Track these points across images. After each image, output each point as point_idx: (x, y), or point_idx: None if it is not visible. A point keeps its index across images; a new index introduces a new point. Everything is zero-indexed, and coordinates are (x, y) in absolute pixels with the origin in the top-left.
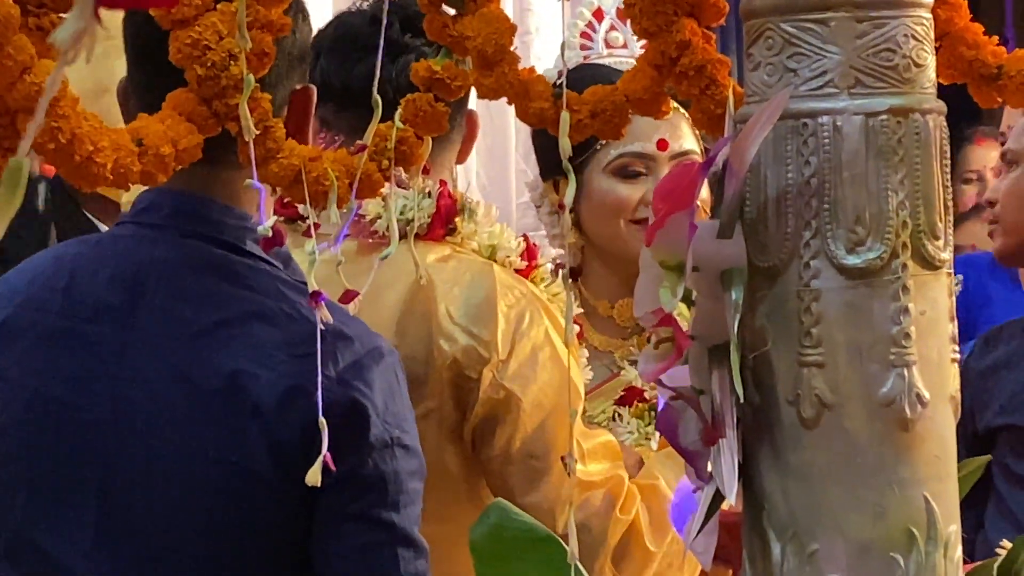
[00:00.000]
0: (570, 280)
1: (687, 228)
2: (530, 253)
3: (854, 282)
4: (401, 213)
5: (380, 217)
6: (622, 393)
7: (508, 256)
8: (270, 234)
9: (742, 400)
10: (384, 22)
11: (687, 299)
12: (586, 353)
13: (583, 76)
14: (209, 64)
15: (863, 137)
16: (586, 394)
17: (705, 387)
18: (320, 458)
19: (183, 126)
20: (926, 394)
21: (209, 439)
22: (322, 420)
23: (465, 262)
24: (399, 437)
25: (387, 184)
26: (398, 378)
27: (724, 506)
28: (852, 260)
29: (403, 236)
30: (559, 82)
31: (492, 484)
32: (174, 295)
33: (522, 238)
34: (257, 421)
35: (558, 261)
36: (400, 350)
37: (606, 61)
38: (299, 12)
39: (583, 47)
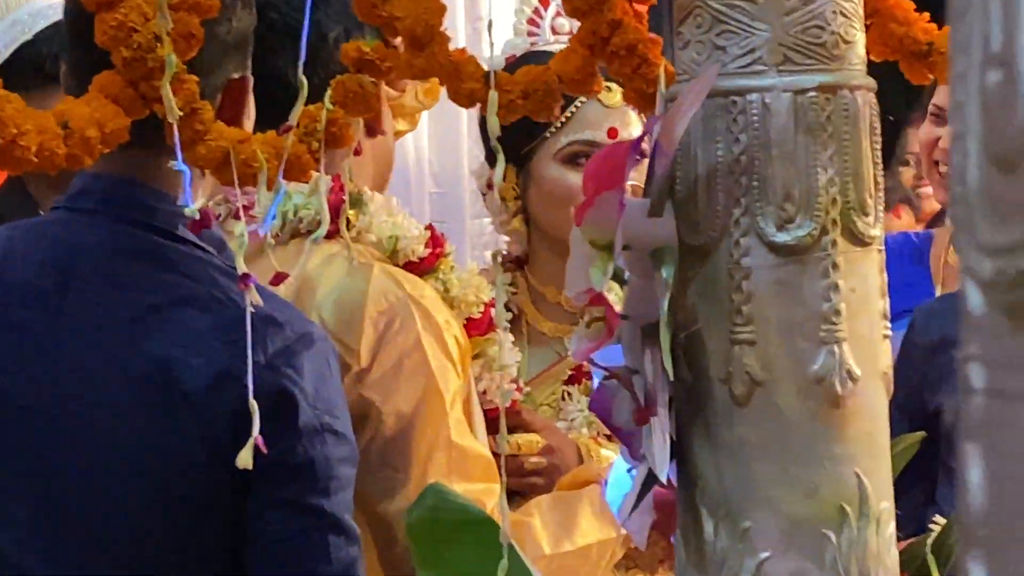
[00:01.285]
0: (509, 265)
1: (616, 207)
2: (435, 242)
3: (784, 259)
4: (295, 212)
5: (274, 217)
6: (571, 372)
7: (410, 247)
8: (197, 216)
9: (672, 379)
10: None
11: (619, 278)
12: (510, 338)
13: (530, 63)
14: (135, 46)
15: (792, 114)
16: (532, 379)
17: (638, 366)
18: (251, 440)
19: (109, 108)
20: (857, 371)
21: (140, 425)
22: (253, 404)
23: (346, 265)
24: (329, 423)
25: (317, 165)
26: (329, 364)
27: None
28: (782, 237)
29: (296, 235)
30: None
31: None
32: (105, 281)
33: (427, 228)
34: (188, 408)
35: (503, 252)
36: None
37: (553, 48)
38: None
39: (530, 34)
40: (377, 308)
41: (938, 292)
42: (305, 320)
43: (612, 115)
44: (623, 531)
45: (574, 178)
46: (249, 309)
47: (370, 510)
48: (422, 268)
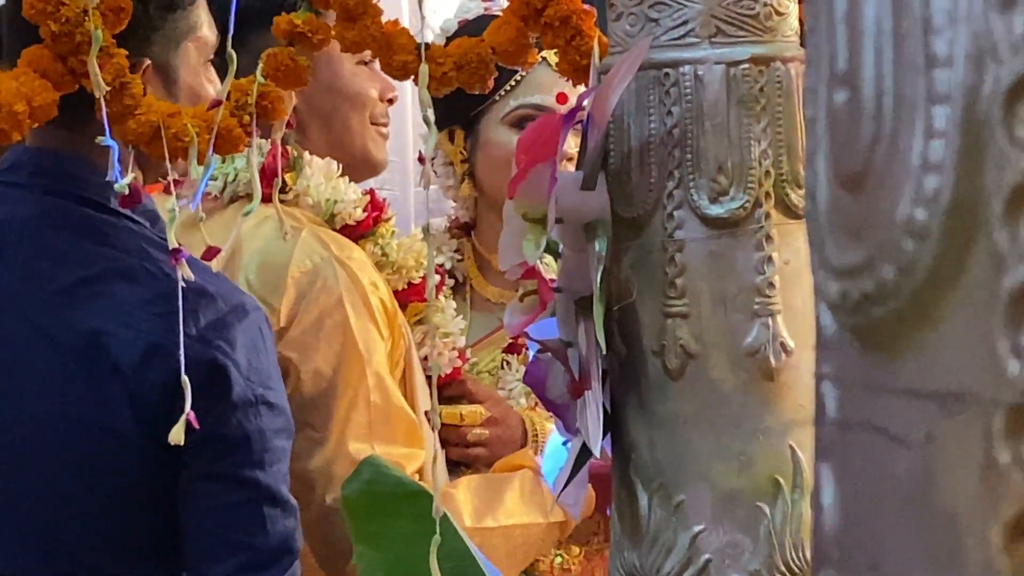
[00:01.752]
0: (456, 231)
1: (549, 180)
2: (375, 206)
3: (717, 232)
4: (235, 176)
5: (216, 179)
6: (510, 340)
7: (347, 210)
8: (127, 191)
9: (604, 352)
10: None
11: (553, 251)
12: (453, 305)
13: (485, 28)
14: (63, 20)
15: (724, 86)
16: (474, 344)
17: (572, 339)
18: (183, 417)
19: (38, 83)
20: (791, 343)
21: (71, 398)
22: (185, 379)
23: (275, 228)
24: (263, 395)
25: (249, 139)
26: (263, 335)
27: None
28: (715, 210)
29: (236, 199)
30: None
31: None
32: (35, 253)
33: (367, 192)
34: (118, 380)
35: (453, 217)
36: None
37: None
38: None
39: None
40: (300, 269)
41: None
42: (238, 291)
43: (562, 79)
44: (551, 518)
45: None
46: (181, 284)
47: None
48: (359, 231)
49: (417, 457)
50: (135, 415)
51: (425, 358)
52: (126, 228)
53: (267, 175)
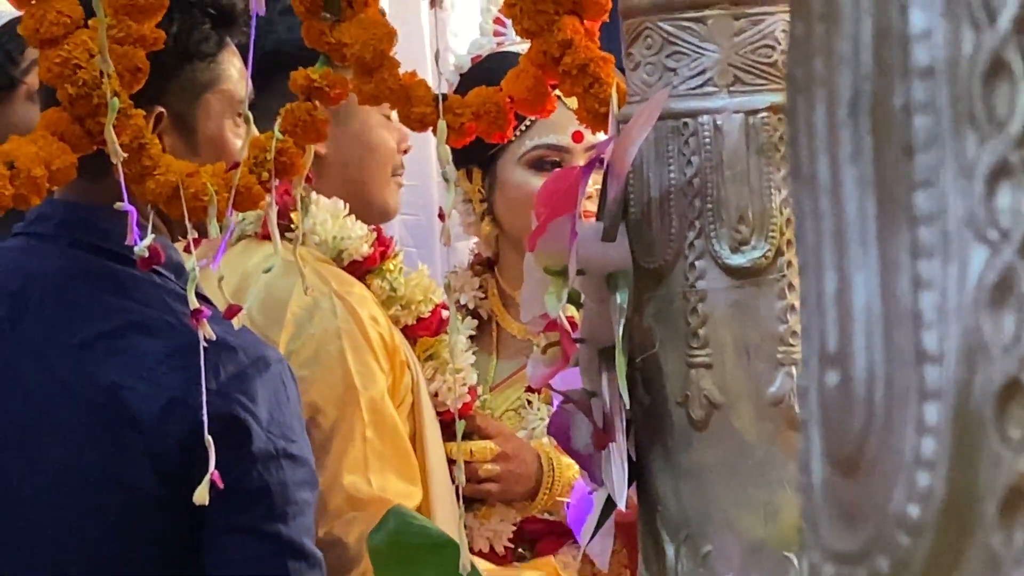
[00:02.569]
0: (479, 268)
1: (569, 232)
2: (381, 241)
3: (740, 281)
4: (242, 217)
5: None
6: None
7: (354, 247)
8: (146, 255)
9: (630, 402)
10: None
11: (575, 302)
12: (464, 341)
13: (497, 65)
14: (80, 83)
15: (744, 135)
16: (500, 382)
17: (596, 390)
18: (207, 477)
19: (56, 146)
20: None
21: (89, 453)
22: (208, 439)
23: (282, 266)
24: (285, 448)
25: (269, 195)
26: (286, 387)
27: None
28: (737, 259)
29: (243, 236)
30: (465, 71)
31: None
32: (57, 306)
33: (374, 229)
34: (137, 434)
35: (476, 252)
36: None
37: (520, 48)
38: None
39: (496, 33)
40: (299, 304)
41: None
42: (260, 344)
43: (576, 118)
44: None
45: (538, 182)
46: (203, 344)
47: None
48: (366, 267)
49: (414, 496)
50: (155, 469)
51: (436, 394)
52: (149, 281)
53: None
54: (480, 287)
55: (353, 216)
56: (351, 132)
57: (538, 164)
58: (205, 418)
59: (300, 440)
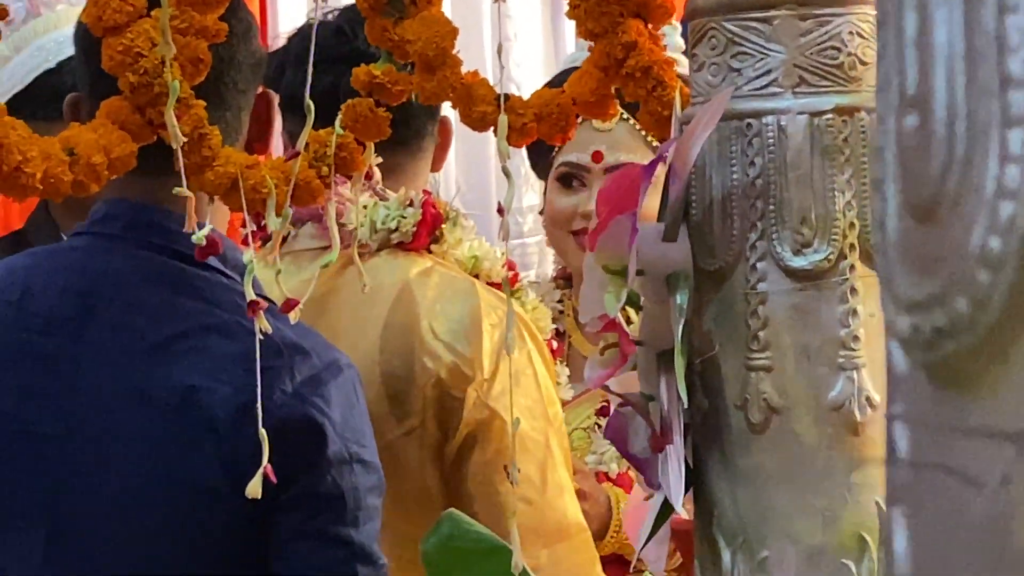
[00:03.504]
0: (560, 282)
1: (630, 231)
2: (510, 265)
3: (801, 284)
4: (383, 222)
5: (361, 226)
6: (603, 403)
7: (492, 268)
8: (204, 243)
9: (686, 406)
10: (314, 32)
11: (634, 303)
12: (567, 371)
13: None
14: (141, 71)
15: (808, 137)
16: (570, 401)
17: (654, 392)
18: (260, 470)
19: (116, 135)
20: (876, 397)
21: (162, 455)
22: (262, 431)
23: (447, 277)
24: (357, 453)
25: (328, 191)
26: (356, 392)
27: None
28: (799, 262)
29: (385, 246)
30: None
31: (462, 505)
32: (128, 307)
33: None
34: (212, 437)
35: (561, 266)
36: (381, 366)
37: None
38: (250, 25)
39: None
40: (491, 321)
41: None
42: (331, 348)
43: (599, 137)
44: None
45: (562, 199)
46: (259, 336)
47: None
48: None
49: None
50: (228, 472)
51: None
52: (219, 283)
53: (428, 225)
54: (560, 300)
55: (483, 236)
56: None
57: (564, 181)
58: (259, 416)
59: (370, 446)
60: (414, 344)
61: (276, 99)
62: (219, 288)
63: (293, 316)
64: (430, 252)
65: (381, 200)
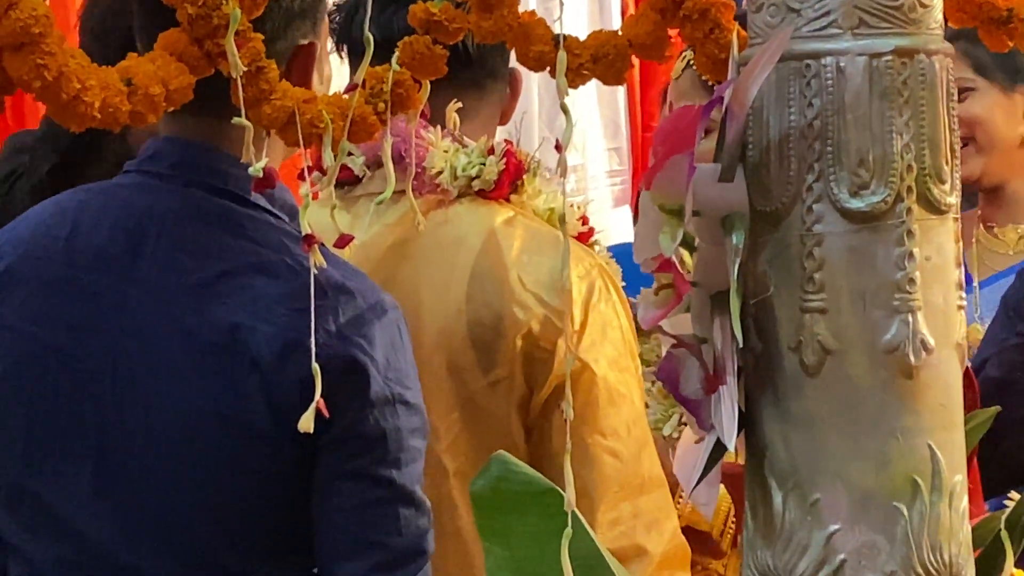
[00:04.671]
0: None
1: (687, 170)
2: (583, 220)
3: (857, 226)
4: (464, 169)
5: (443, 172)
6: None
7: (572, 225)
8: (260, 175)
9: (742, 347)
10: None
11: (689, 244)
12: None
13: None
14: (200, 3)
15: (867, 78)
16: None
17: (707, 335)
18: (312, 405)
19: (174, 66)
20: (931, 341)
21: (207, 392)
22: (316, 367)
23: (532, 227)
24: (401, 394)
25: (384, 127)
26: (401, 334)
27: (728, 457)
28: (856, 204)
29: (465, 194)
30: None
31: (546, 455)
32: (175, 245)
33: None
34: (256, 375)
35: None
36: (468, 315)
37: None
38: None
39: None
40: (578, 273)
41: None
42: (377, 289)
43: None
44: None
45: None
46: (313, 271)
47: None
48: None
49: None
50: (271, 411)
51: None
52: (266, 222)
53: (511, 173)
54: None
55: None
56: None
57: None
58: (313, 352)
59: (414, 387)
60: (503, 294)
61: (317, 52)
62: (265, 227)
63: (347, 253)
64: (509, 202)
65: (462, 147)
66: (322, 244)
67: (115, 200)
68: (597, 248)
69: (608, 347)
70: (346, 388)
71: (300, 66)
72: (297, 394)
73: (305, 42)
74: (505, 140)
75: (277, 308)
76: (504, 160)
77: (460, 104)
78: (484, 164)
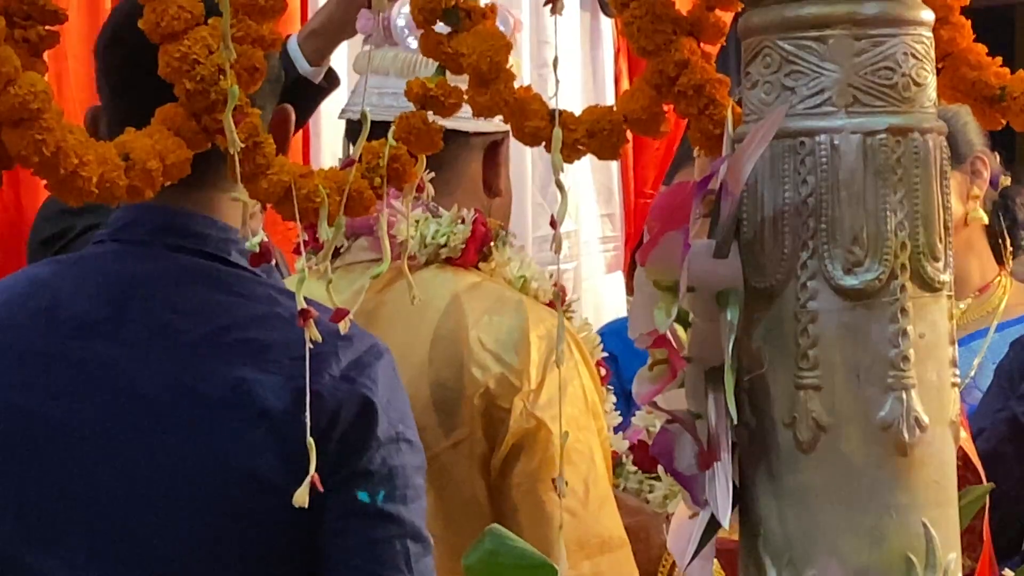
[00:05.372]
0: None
1: (681, 247)
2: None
3: (852, 303)
4: (432, 237)
5: (412, 239)
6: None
7: (540, 287)
8: (257, 249)
9: (736, 423)
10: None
11: (683, 320)
12: (613, 399)
13: None
14: (198, 78)
15: (861, 156)
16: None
17: (701, 410)
18: (307, 480)
19: (171, 141)
20: (925, 418)
21: (217, 448)
22: (310, 441)
23: (496, 291)
24: (403, 432)
25: (380, 202)
26: (396, 375)
27: (722, 533)
28: (850, 281)
29: (433, 261)
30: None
31: (506, 515)
32: (164, 307)
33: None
34: (264, 425)
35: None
36: (430, 377)
37: None
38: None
39: None
40: (538, 333)
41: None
42: (368, 334)
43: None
44: None
45: None
46: (309, 346)
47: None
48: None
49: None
50: (284, 459)
51: None
52: (250, 279)
53: (478, 241)
54: None
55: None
56: (504, 203)
57: None
58: (308, 423)
59: (412, 427)
60: (463, 355)
61: (292, 114)
62: (251, 283)
63: (343, 326)
64: (478, 269)
65: (433, 216)
66: (313, 302)
67: (93, 269)
68: (574, 314)
69: (566, 406)
70: (359, 428)
71: (281, 131)
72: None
73: (279, 106)
74: (476, 209)
75: (278, 358)
76: (471, 228)
77: (433, 174)
78: (454, 232)
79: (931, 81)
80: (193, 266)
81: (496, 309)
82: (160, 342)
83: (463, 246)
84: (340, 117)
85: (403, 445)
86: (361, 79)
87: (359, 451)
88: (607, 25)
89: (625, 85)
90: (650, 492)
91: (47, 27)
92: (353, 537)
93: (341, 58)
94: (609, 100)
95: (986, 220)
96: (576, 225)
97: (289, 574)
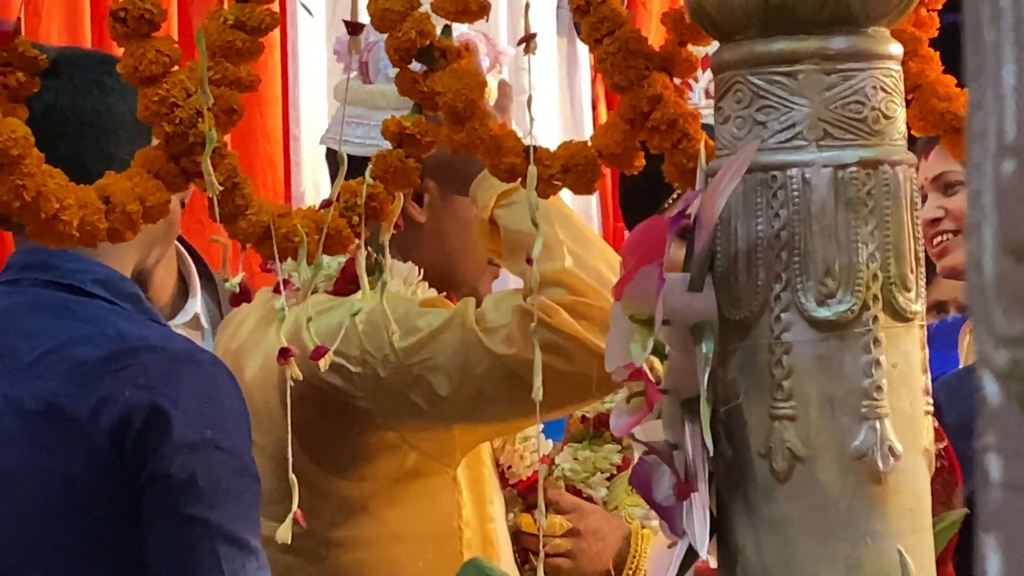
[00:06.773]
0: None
1: (656, 280)
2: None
3: (825, 335)
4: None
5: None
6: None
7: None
8: (237, 291)
9: (712, 454)
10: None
11: (660, 352)
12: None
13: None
14: (176, 121)
15: (832, 189)
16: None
17: (678, 441)
18: (290, 516)
19: (151, 183)
20: (899, 447)
21: (33, 454)
22: (292, 478)
23: (328, 297)
24: (212, 438)
25: (358, 240)
26: (217, 385)
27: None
28: (823, 312)
29: (315, 292)
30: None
31: None
32: (15, 334)
33: (448, 296)
34: (74, 432)
35: None
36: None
37: (706, 112)
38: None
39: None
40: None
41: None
42: (195, 347)
43: None
44: None
45: None
46: (290, 383)
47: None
48: None
49: None
50: (89, 462)
51: (509, 466)
52: (97, 306)
53: (345, 274)
54: None
55: (425, 283)
56: (458, 205)
57: None
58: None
59: (232, 433)
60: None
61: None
62: (95, 309)
63: (323, 363)
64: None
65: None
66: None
67: None
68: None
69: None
70: (151, 432)
71: None
72: (110, 441)
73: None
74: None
75: (94, 372)
76: (347, 258)
77: None
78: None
79: (900, 114)
80: (48, 298)
81: (326, 310)
82: (7, 364)
83: (336, 277)
84: (321, 143)
85: (214, 451)
86: (339, 108)
87: (155, 455)
88: (584, 51)
89: (603, 110)
90: (593, 476)
91: (26, 73)
92: (161, 538)
93: (321, 84)
94: (586, 125)
95: None
96: None
97: (129, 563)
